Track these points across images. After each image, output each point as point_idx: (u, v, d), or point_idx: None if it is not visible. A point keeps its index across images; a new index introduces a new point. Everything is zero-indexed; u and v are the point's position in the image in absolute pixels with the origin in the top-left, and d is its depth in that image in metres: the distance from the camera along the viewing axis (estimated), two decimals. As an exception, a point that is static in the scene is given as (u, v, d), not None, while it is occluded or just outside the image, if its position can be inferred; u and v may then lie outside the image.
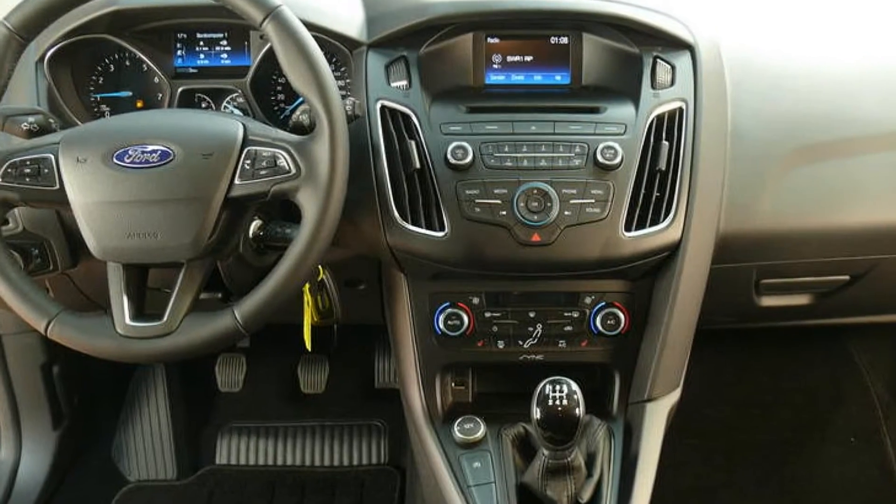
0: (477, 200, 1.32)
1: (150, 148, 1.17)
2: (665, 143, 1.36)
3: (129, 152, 1.17)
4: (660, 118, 1.38)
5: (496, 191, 1.32)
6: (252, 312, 1.17)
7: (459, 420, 1.42)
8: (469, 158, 1.32)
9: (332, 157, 1.16)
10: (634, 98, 1.41)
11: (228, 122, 1.21)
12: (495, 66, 1.50)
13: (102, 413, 2.27)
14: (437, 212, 1.33)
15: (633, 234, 1.33)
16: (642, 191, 1.34)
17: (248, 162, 1.17)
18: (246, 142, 1.18)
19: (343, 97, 1.23)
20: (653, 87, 1.41)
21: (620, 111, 1.40)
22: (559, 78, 1.51)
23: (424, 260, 1.35)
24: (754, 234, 1.45)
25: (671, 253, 1.37)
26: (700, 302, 1.44)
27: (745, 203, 1.42)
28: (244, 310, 1.17)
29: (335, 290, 1.66)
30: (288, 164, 1.17)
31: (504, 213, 1.31)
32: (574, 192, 1.32)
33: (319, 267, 1.53)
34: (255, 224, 1.32)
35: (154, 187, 1.16)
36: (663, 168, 1.35)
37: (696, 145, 1.37)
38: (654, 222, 1.35)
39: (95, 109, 1.55)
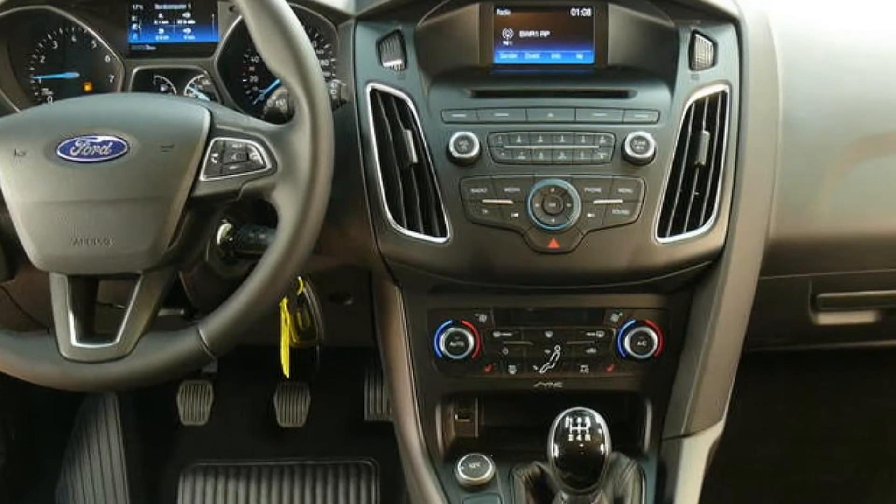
0: (484, 200, 1.32)
1: (101, 139, 1.17)
2: (705, 134, 1.36)
3: (76, 144, 1.17)
4: (699, 104, 1.38)
5: (507, 189, 1.32)
6: (220, 332, 1.17)
7: (464, 458, 1.42)
8: (475, 151, 1.32)
9: (314, 150, 1.16)
10: (669, 80, 1.41)
11: (192, 109, 1.21)
12: (506, 42, 1.51)
13: (45, 450, 2.27)
14: (438, 214, 1.33)
15: (668, 239, 1.33)
16: (678, 189, 1.34)
17: (216, 155, 1.17)
18: (213, 132, 1.18)
19: (327, 79, 1.23)
20: (691, 67, 1.41)
21: (653, 96, 1.40)
22: (581, 56, 1.51)
23: (422, 270, 1.35)
24: (810, 240, 1.45)
25: (712, 262, 1.37)
26: (746, 320, 1.44)
27: (799, 203, 1.42)
28: (211, 329, 1.17)
29: (318, 307, 1.66)
30: (262, 158, 1.17)
31: (516, 215, 1.31)
32: (598, 190, 1.32)
33: (299, 279, 1.53)
34: (223, 228, 1.33)
35: (105, 185, 1.16)
36: (703, 162, 1.35)
37: (742, 136, 1.37)
38: (693, 226, 1.34)
39: (36, 93, 1.55)
